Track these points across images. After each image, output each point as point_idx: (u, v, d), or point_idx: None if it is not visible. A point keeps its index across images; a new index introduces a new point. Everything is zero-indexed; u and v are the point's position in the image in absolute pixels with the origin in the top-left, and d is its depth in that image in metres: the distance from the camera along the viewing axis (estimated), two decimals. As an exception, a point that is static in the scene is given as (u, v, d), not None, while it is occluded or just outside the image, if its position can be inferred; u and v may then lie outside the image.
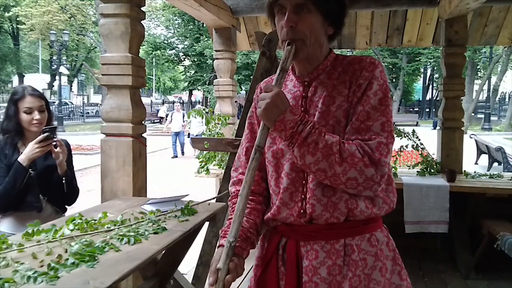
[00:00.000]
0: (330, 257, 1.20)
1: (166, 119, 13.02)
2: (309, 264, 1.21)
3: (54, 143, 2.08)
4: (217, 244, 1.27)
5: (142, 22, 2.44)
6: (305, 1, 1.19)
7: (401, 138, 3.77)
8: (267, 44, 2.73)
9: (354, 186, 1.14)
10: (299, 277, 1.23)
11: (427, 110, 33.46)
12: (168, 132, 14.88)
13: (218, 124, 3.85)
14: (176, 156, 12.75)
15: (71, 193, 2.23)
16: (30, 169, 2.05)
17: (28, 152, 2.03)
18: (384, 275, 1.21)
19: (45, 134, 2.04)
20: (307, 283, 1.20)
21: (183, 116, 12.64)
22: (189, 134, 12.27)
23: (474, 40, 4.47)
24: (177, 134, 12.64)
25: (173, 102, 40.42)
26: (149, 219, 1.79)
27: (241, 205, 1.15)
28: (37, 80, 31.84)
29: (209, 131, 3.76)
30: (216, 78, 4.36)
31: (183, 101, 42.11)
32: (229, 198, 1.42)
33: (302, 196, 1.23)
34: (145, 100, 36.49)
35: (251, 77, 2.93)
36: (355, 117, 1.18)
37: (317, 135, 1.13)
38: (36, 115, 2.10)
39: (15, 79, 34.97)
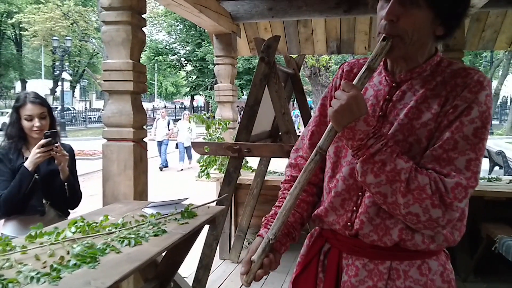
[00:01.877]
0: (371, 277, 1.09)
1: (152, 126, 11.96)
2: (347, 280, 1.12)
3: (56, 147, 2.11)
4: (258, 232, 1.21)
5: (143, 29, 2.49)
6: None
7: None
8: (266, 50, 2.77)
9: (414, 222, 1.00)
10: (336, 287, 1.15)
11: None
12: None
13: (219, 128, 3.88)
14: (167, 166, 11.52)
15: (74, 198, 2.26)
16: (35, 174, 2.09)
17: (32, 157, 2.07)
18: None
19: (47, 139, 2.08)
20: None
21: (168, 124, 11.50)
22: (177, 144, 11.46)
23: (472, 45, 4.51)
24: (160, 143, 11.32)
25: (175, 108, 40.56)
26: (149, 221, 1.82)
27: (288, 204, 1.07)
28: (40, 86, 32.00)
29: (209, 136, 3.80)
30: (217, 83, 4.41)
31: (185, 106, 42.21)
32: (283, 181, 1.32)
33: (354, 207, 1.12)
34: (147, 105, 36.65)
35: (252, 82, 2.96)
36: (439, 143, 1.01)
37: (387, 155, 0.98)
38: (36, 122, 2.14)
39: (18, 85, 35.12)
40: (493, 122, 23.50)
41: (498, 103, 28.67)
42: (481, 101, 1.01)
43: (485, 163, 10.31)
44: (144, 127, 2.54)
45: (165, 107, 39.14)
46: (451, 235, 1.08)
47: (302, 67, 10.81)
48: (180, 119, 12.81)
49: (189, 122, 3.66)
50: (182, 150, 11.30)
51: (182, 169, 11.28)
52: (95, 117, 29.38)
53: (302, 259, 1.27)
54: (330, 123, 1.05)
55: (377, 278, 1.09)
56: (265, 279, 3.48)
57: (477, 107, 1.00)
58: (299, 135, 1.55)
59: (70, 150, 2.30)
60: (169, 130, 11.38)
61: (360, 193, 1.11)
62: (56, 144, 2.11)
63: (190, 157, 11.48)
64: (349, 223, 1.12)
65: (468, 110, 1.00)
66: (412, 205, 0.97)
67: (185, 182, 8.85)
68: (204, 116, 3.75)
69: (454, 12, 1.05)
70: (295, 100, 4.30)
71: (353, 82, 1.03)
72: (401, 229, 1.06)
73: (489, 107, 1.02)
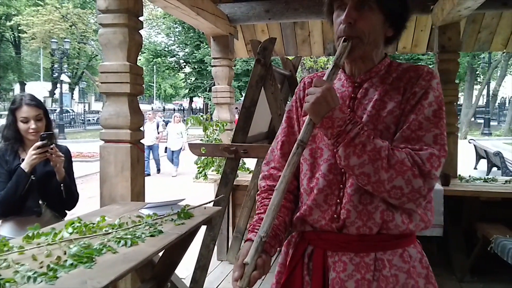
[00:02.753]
0: (359, 270, 1.14)
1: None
2: (336, 276, 1.16)
3: (51, 149, 2.12)
4: (245, 238, 1.23)
5: (140, 31, 2.51)
6: None
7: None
8: (262, 52, 2.79)
9: (398, 196, 1.08)
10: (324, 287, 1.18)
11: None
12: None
13: (216, 130, 3.90)
14: (149, 175, 10.22)
15: (70, 199, 2.27)
16: (32, 176, 2.11)
17: (28, 158, 2.09)
18: None
19: (43, 141, 2.09)
20: None
21: (157, 127, 10.56)
22: (166, 148, 10.68)
23: (468, 46, 4.54)
24: (150, 148, 10.29)
25: (174, 110, 40.56)
26: (146, 222, 1.84)
27: (276, 200, 1.10)
28: (39, 88, 31.98)
29: (207, 137, 3.81)
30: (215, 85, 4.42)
31: (183, 108, 42.23)
32: (258, 192, 1.36)
33: (338, 200, 1.18)
34: (146, 107, 36.66)
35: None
36: (407, 125, 1.12)
37: (365, 137, 1.08)
38: (32, 124, 2.16)
39: (17, 87, 35.11)
40: (492, 123, 23.53)
41: (496, 104, 28.72)
42: (434, 87, 1.16)
43: (483, 164, 10.35)
44: (142, 128, 2.56)
45: (164, 109, 39.17)
46: (425, 215, 1.18)
47: (300, 69, 10.86)
48: (170, 121, 11.83)
49: (187, 123, 3.60)
50: (169, 155, 10.65)
51: (176, 175, 10.64)
52: (94, 119, 29.40)
53: (283, 266, 1.29)
54: (307, 117, 1.13)
55: (364, 270, 1.14)
56: (262, 280, 3.50)
57: (432, 92, 1.15)
58: None
59: (67, 152, 2.31)
60: (158, 133, 10.62)
61: (341, 185, 1.19)
62: (51, 146, 2.12)
63: (176, 164, 10.68)
64: (335, 215, 1.18)
65: (425, 95, 1.14)
66: (395, 179, 1.06)
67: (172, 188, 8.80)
68: (201, 118, 3.77)
69: (400, 15, 1.20)
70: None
71: (324, 78, 1.15)
72: (382, 211, 1.14)
73: (441, 93, 1.17)
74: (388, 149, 1.08)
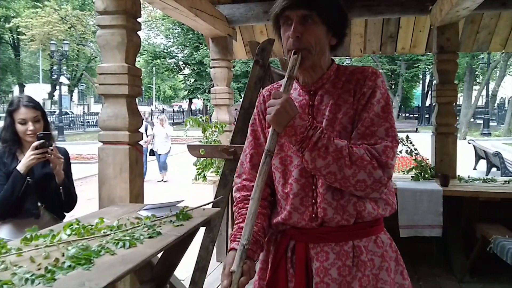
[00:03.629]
0: (340, 258, 1.25)
1: None
2: (320, 265, 1.25)
3: (51, 150, 2.12)
4: (228, 248, 1.30)
5: (138, 32, 2.51)
6: (310, 12, 1.23)
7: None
8: (260, 53, 2.79)
9: (363, 188, 1.19)
10: (307, 279, 1.27)
11: (427, 116, 33.53)
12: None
13: (215, 131, 3.90)
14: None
15: (69, 201, 2.27)
16: (28, 177, 2.10)
17: (25, 159, 2.08)
18: (389, 275, 1.27)
19: (40, 141, 2.09)
20: (318, 284, 1.25)
21: (146, 129, 9.83)
22: (152, 151, 10.09)
23: (466, 47, 4.54)
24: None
25: (173, 111, 40.56)
26: (144, 224, 1.83)
27: (253, 208, 1.18)
28: (38, 90, 31.98)
29: (206, 139, 3.81)
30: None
31: (183, 109, 42.24)
32: (234, 203, 1.45)
33: (313, 200, 1.27)
34: (146, 108, 36.64)
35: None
36: (361, 123, 1.24)
37: (326, 140, 1.17)
38: (30, 126, 2.15)
39: (16, 89, 35.10)
40: (491, 123, 23.55)
41: (496, 104, 28.75)
42: (380, 86, 1.27)
43: (482, 164, 10.35)
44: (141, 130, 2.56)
45: (163, 111, 39.15)
46: (388, 199, 1.31)
47: (299, 70, 10.84)
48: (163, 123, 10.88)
49: (185, 125, 3.55)
50: (158, 159, 10.10)
51: (162, 180, 10.22)
52: (93, 121, 29.38)
53: (266, 263, 1.40)
54: (271, 128, 1.21)
55: (344, 258, 1.25)
56: None
57: (379, 90, 1.26)
58: None
59: (65, 154, 2.31)
60: (147, 136, 9.87)
61: (313, 187, 1.28)
62: (51, 148, 2.12)
63: (165, 168, 10.24)
64: (313, 215, 1.27)
65: (373, 94, 1.26)
66: (358, 173, 1.17)
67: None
68: (200, 119, 3.77)
69: (340, 24, 1.31)
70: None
71: (281, 90, 1.24)
72: (354, 203, 1.25)
73: (386, 89, 1.29)
74: (348, 147, 1.18)
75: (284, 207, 1.33)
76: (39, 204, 2.18)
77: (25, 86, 34.26)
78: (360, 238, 1.27)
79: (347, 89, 1.29)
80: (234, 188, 1.49)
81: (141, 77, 2.57)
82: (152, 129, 10.35)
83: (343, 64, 1.39)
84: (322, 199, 1.25)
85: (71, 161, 2.40)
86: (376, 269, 1.25)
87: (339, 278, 1.23)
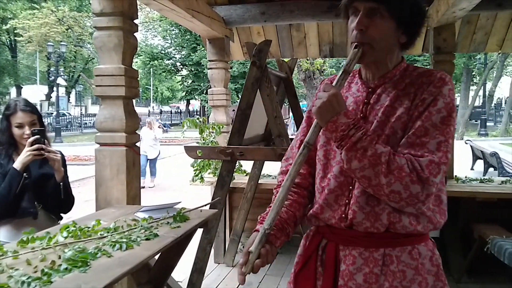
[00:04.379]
0: (367, 264, 1.20)
1: None
2: (346, 268, 1.22)
3: (46, 148, 2.11)
4: (254, 228, 1.29)
5: (135, 34, 2.50)
6: (378, 6, 1.17)
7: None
8: (257, 54, 2.79)
9: (396, 200, 1.12)
10: (335, 280, 1.24)
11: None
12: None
13: (213, 132, 3.90)
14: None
15: (68, 200, 2.27)
16: (24, 173, 2.10)
17: (21, 156, 2.08)
18: None
19: (36, 137, 2.09)
20: (342, 287, 1.22)
21: None
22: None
23: (463, 48, 4.55)
24: None
25: (171, 112, 40.53)
26: (141, 226, 1.83)
27: (281, 195, 1.18)
28: (35, 92, 31.94)
29: (203, 140, 3.81)
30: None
31: (180, 110, 42.22)
32: (275, 187, 1.42)
33: (347, 200, 1.24)
34: (143, 110, 36.61)
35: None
36: (412, 131, 1.15)
37: (367, 142, 1.12)
38: (27, 130, 2.15)
39: (13, 91, 35.03)
40: (488, 123, 23.64)
41: (493, 104, 28.83)
42: (445, 94, 1.17)
43: (479, 165, 10.38)
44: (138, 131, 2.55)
45: (161, 112, 39.13)
46: (434, 217, 1.21)
47: (296, 71, 10.88)
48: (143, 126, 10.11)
49: (183, 126, 3.48)
50: (144, 164, 9.28)
51: (153, 186, 9.63)
52: (90, 123, 29.31)
53: (299, 258, 1.37)
54: (315, 120, 1.19)
55: (372, 265, 1.20)
56: (260, 282, 3.49)
57: (442, 99, 1.16)
58: (292, 139, 1.65)
59: (62, 156, 2.30)
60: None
61: (350, 187, 1.24)
62: (44, 146, 2.11)
63: (153, 174, 9.71)
64: (343, 215, 1.24)
65: (434, 101, 1.16)
66: (394, 184, 1.10)
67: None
68: (198, 120, 3.76)
69: (412, 22, 1.21)
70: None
71: (333, 84, 1.20)
72: (388, 213, 1.18)
73: (452, 99, 1.18)
74: (388, 154, 1.11)
75: (317, 201, 1.32)
76: (36, 203, 2.17)
77: (22, 87, 34.21)
78: (393, 247, 1.20)
79: (407, 92, 1.21)
80: (279, 171, 1.48)
81: (139, 79, 2.57)
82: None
83: (414, 65, 1.30)
84: (354, 201, 1.21)
85: (69, 162, 2.39)
86: (407, 281, 1.18)
87: (364, 285, 1.19)
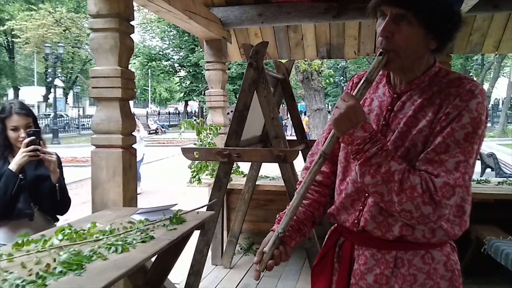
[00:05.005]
0: (379, 265, 1.21)
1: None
2: (357, 268, 1.24)
3: (41, 149, 2.11)
4: (271, 228, 1.32)
5: (131, 35, 2.50)
6: (405, 12, 1.11)
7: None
8: (254, 56, 2.79)
9: (408, 218, 1.11)
10: (349, 277, 1.27)
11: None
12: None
13: (210, 134, 3.89)
14: None
15: (64, 202, 2.26)
16: (20, 175, 2.09)
17: (16, 157, 2.08)
18: None
19: (31, 138, 2.08)
20: (353, 286, 1.24)
21: None
22: None
23: (459, 49, 4.55)
24: None
25: (169, 113, 40.49)
26: (137, 228, 1.82)
27: (295, 202, 1.20)
28: (33, 93, 31.91)
29: (200, 141, 3.80)
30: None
31: (179, 111, 42.20)
32: (298, 182, 1.40)
33: (361, 206, 1.24)
34: (141, 111, 36.56)
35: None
36: (432, 147, 1.11)
37: (382, 158, 1.10)
38: (22, 133, 2.15)
39: (11, 92, 34.95)
40: (485, 124, 23.65)
41: (490, 105, 28.90)
42: (472, 109, 1.10)
43: (477, 165, 10.39)
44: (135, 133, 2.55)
45: (159, 113, 39.09)
46: (451, 229, 1.18)
47: (294, 72, 10.88)
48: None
49: (180, 127, 3.45)
50: None
51: (140, 192, 8.34)
52: (88, 124, 29.18)
53: (320, 252, 1.41)
54: (332, 130, 1.18)
55: (384, 266, 1.21)
56: (257, 284, 3.49)
57: (468, 114, 1.09)
58: (289, 140, 1.65)
59: (57, 158, 2.30)
60: None
61: (366, 194, 1.23)
62: (39, 147, 2.10)
63: (138, 178, 8.41)
64: (356, 221, 1.25)
65: (459, 117, 1.10)
66: (405, 203, 1.08)
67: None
68: (195, 122, 3.76)
69: (444, 27, 1.14)
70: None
71: (353, 93, 1.17)
72: (401, 225, 1.17)
73: (480, 113, 1.10)
74: (403, 172, 1.08)
75: (335, 201, 1.34)
76: (32, 205, 2.17)
77: (19, 89, 34.11)
78: (405, 250, 1.19)
79: (432, 102, 1.15)
80: (303, 166, 1.49)
81: (135, 80, 2.57)
82: None
83: (447, 69, 1.23)
84: (367, 210, 1.21)
85: (66, 164, 2.39)
86: (417, 285, 1.17)
87: (375, 285, 1.20)
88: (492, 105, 30.12)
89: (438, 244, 1.20)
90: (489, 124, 27.08)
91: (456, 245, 3.84)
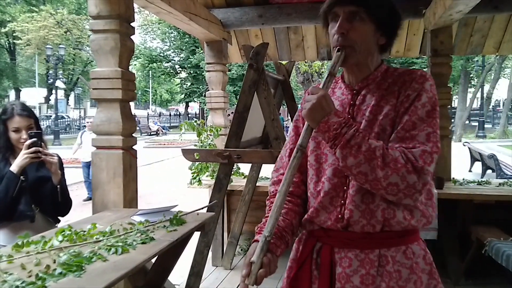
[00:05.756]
0: (363, 266, 1.21)
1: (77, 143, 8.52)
2: (342, 271, 1.23)
3: (43, 151, 2.11)
4: (253, 239, 1.28)
5: (131, 37, 2.50)
6: (357, 9, 1.21)
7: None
8: (254, 57, 2.79)
9: (394, 192, 1.14)
10: (331, 282, 1.25)
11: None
12: (78, 161, 9.49)
13: (210, 135, 3.90)
14: (90, 198, 7.40)
15: (65, 203, 2.26)
16: (21, 176, 2.09)
17: (18, 159, 2.08)
18: None
19: (33, 140, 2.08)
20: None
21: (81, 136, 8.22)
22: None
23: (460, 50, 4.55)
24: (87, 165, 7.60)
25: (170, 115, 40.50)
26: (137, 229, 1.82)
27: (279, 201, 1.17)
28: (34, 94, 31.93)
29: (201, 143, 3.80)
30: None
31: (179, 113, 42.22)
32: (268, 197, 1.42)
33: (342, 201, 1.25)
34: (142, 112, 36.59)
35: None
36: (401, 126, 1.19)
37: (360, 138, 1.14)
38: (24, 135, 2.15)
39: (12, 94, 34.99)
40: (486, 125, 23.65)
41: (491, 106, 28.86)
42: (427, 89, 1.21)
43: (477, 167, 10.39)
44: (135, 135, 2.55)
45: (160, 115, 39.09)
46: (426, 210, 1.24)
47: (295, 73, 10.89)
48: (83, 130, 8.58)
49: (180, 129, 3.45)
50: (86, 173, 7.99)
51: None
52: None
53: (294, 262, 1.37)
54: (306, 123, 1.21)
55: (369, 266, 1.21)
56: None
57: (425, 94, 1.21)
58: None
59: (59, 159, 2.30)
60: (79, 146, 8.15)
61: (345, 187, 1.25)
62: (41, 149, 2.10)
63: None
64: (340, 216, 1.25)
65: (418, 97, 1.20)
66: (391, 176, 1.12)
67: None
68: (195, 123, 3.76)
69: (390, 24, 1.27)
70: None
71: (320, 86, 1.23)
72: (383, 209, 1.20)
73: (435, 94, 1.23)
74: (382, 148, 1.14)
75: (311, 205, 1.32)
76: (33, 206, 2.17)
77: (21, 90, 34.16)
78: (388, 247, 1.22)
79: (391, 91, 1.25)
80: (270, 182, 1.47)
81: (136, 81, 2.57)
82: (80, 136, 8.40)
83: (394, 67, 1.35)
84: (350, 200, 1.23)
85: (68, 165, 2.39)
86: (402, 281, 1.20)
87: (361, 286, 1.21)
88: (492, 106, 30.09)
89: (416, 233, 1.26)
90: (489, 126, 27.08)
91: (457, 247, 3.81)
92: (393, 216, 1.20)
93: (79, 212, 7.06)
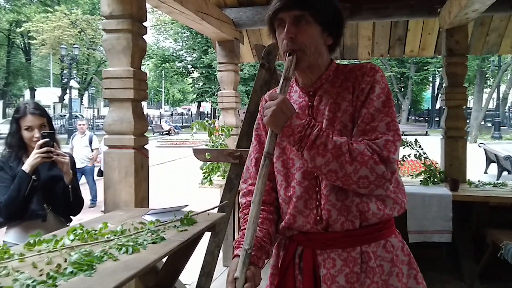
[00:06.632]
0: (347, 265, 1.22)
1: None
2: (327, 272, 1.24)
3: (55, 151, 2.12)
4: (232, 255, 1.28)
5: (144, 36, 2.51)
6: (302, 13, 1.23)
7: (404, 148, 3.77)
8: (266, 56, 2.77)
9: (365, 185, 1.16)
10: (315, 285, 1.25)
11: (437, 119, 33.14)
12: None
13: (222, 135, 3.89)
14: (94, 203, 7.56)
15: (77, 203, 2.27)
16: (33, 176, 2.10)
17: (29, 159, 2.09)
18: (401, 280, 1.24)
19: (45, 140, 2.09)
20: None
21: (91, 142, 7.60)
22: (101, 171, 7.41)
23: (476, 50, 4.48)
24: (81, 171, 7.05)
25: (182, 114, 40.69)
26: (148, 229, 1.82)
27: (254, 211, 1.17)
28: (48, 94, 32.41)
29: (212, 142, 3.80)
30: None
31: (191, 112, 42.41)
32: (240, 209, 1.44)
33: (317, 203, 1.26)
34: (155, 112, 36.82)
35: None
36: (361, 119, 1.22)
37: (325, 137, 1.16)
38: (36, 133, 2.16)
39: (27, 93, 35.53)
40: (502, 127, 23.26)
41: (507, 107, 28.42)
42: (379, 80, 1.25)
43: (493, 168, 10.23)
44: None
45: (172, 114, 39.30)
46: (397, 198, 1.29)
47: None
48: (75, 134, 8.12)
49: (192, 128, 3.36)
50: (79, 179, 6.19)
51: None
52: (103, 124, 29.51)
53: (276, 268, 1.38)
54: (269, 129, 1.22)
55: (352, 264, 1.23)
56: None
57: (378, 85, 1.24)
58: None
59: (71, 159, 2.31)
60: (92, 150, 7.61)
61: (317, 189, 1.27)
62: (53, 149, 2.11)
63: (92, 191, 7.66)
64: (318, 218, 1.26)
65: (372, 89, 1.24)
66: (360, 169, 1.14)
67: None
68: (207, 123, 3.76)
69: (335, 24, 1.29)
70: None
71: (277, 91, 1.24)
72: (356, 204, 1.22)
73: (386, 84, 1.26)
74: (347, 144, 1.16)
75: (286, 211, 1.32)
76: (45, 206, 2.18)
77: (36, 90, 34.67)
78: (368, 243, 1.24)
79: (345, 87, 1.27)
80: (240, 194, 1.48)
81: (149, 81, 2.57)
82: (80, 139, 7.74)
83: (343, 64, 1.38)
84: (326, 200, 1.24)
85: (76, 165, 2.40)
86: (385, 275, 1.23)
87: (347, 286, 1.21)
88: (509, 106, 29.59)
89: (392, 226, 1.30)
90: (505, 127, 26.66)
91: (472, 249, 3.75)
92: (367, 209, 1.22)
93: (91, 211, 7.14)
